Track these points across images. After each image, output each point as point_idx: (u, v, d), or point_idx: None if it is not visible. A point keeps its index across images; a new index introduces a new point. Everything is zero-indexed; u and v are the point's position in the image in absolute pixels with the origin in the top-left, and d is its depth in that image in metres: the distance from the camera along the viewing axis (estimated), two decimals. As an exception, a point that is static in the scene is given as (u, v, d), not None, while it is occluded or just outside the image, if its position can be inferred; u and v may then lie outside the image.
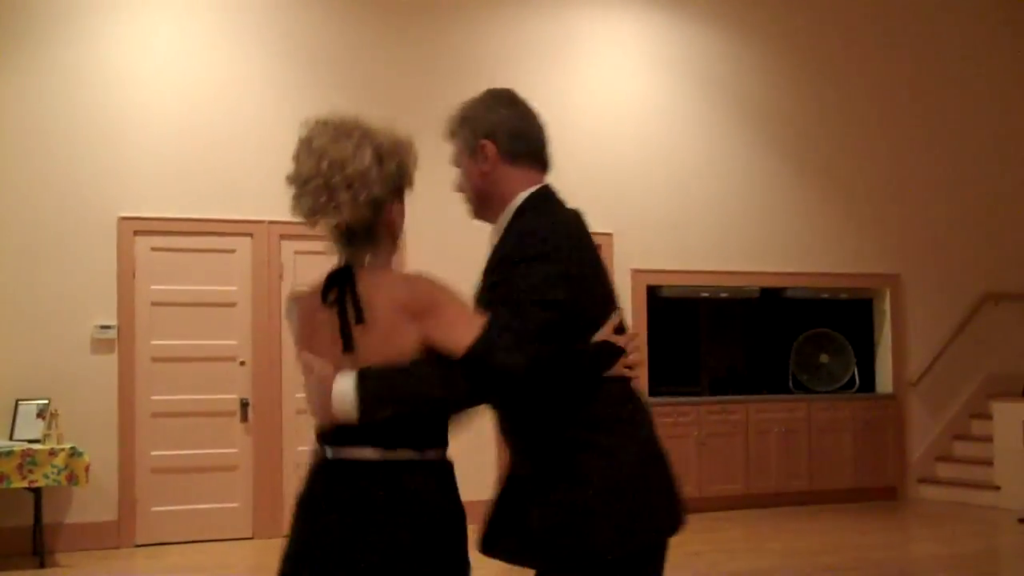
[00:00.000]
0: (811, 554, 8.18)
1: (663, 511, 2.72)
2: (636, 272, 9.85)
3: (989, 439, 10.66)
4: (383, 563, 2.47)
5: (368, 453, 2.50)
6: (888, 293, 11.23)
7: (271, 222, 8.99)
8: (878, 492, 10.81)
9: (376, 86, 9.44)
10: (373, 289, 2.56)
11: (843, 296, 11.18)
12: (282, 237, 9.04)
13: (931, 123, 11.44)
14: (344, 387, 2.47)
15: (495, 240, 2.79)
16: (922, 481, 11.10)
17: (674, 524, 2.74)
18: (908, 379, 11.16)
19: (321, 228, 2.64)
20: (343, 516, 2.52)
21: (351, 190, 2.54)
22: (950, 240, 11.41)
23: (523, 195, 2.77)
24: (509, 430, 2.79)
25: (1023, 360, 9.93)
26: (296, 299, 2.73)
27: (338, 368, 2.50)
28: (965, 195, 11.51)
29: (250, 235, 9.01)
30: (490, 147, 2.77)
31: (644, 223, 9.99)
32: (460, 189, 2.93)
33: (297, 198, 2.60)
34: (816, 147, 11.00)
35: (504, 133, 2.76)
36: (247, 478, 8.90)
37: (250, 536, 8.85)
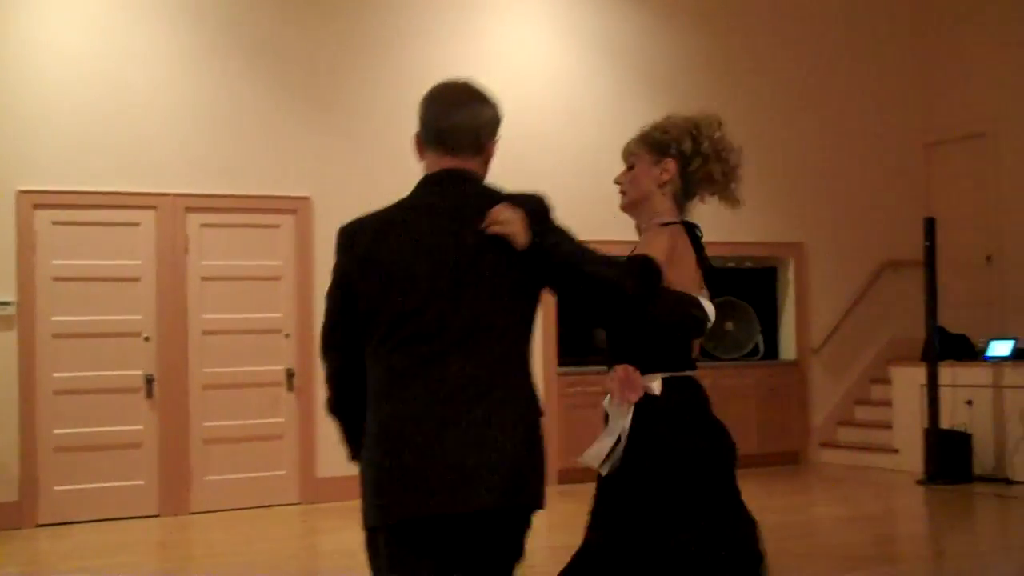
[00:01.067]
0: (717, 519, 8.31)
1: (384, 495, 2.76)
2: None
3: (889, 403, 10.94)
4: None
5: None
6: (792, 262, 11.44)
7: (176, 195, 8.85)
8: (782, 457, 11.03)
9: (281, 57, 9.32)
10: None
11: (748, 265, 11.36)
12: (188, 210, 8.90)
13: (832, 97, 11.64)
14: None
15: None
16: (824, 445, 11.36)
17: (398, 512, 2.73)
18: (811, 346, 11.40)
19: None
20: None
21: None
22: (851, 209, 11.64)
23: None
24: None
25: (921, 325, 10.18)
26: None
27: None
28: (865, 165, 11.75)
29: (154, 208, 8.85)
30: (416, 140, 3.01)
31: (551, 195, 9.97)
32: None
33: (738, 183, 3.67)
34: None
35: (421, 125, 2.99)
36: (152, 455, 8.78)
37: (156, 514, 8.74)
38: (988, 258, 11.41)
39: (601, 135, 10.37)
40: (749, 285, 11.39)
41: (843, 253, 11.56)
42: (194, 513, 8.83)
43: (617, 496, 3.11)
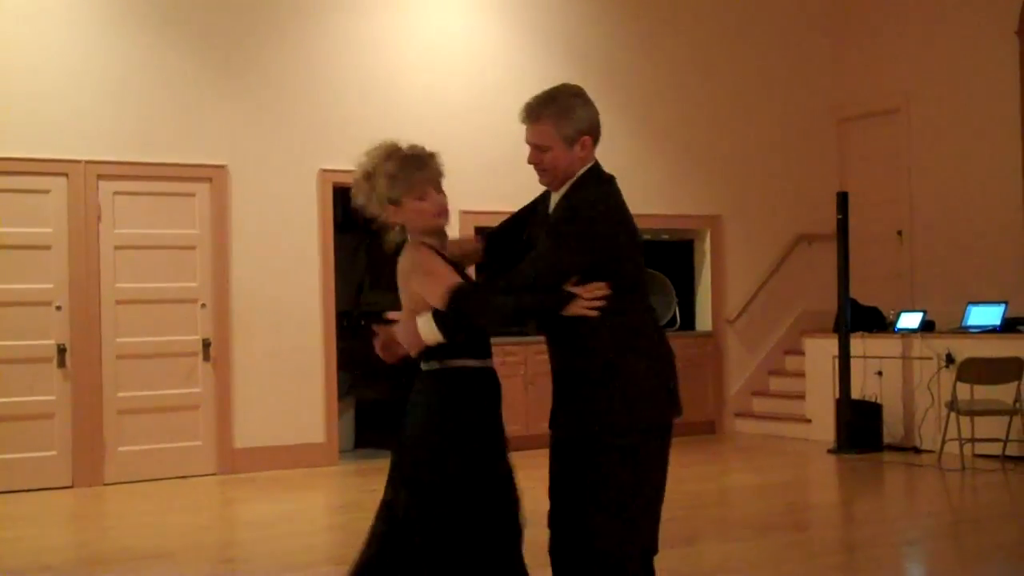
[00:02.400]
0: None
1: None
2: (465, 213, 9.86)
3: (802, 374, 11.13)
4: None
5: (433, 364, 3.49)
6: (708, 234, 11.56)
7: (88, 161, 8.68)
8: (697, 426, 11.18)
9: (197, 24, 9.16)
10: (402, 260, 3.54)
11: (665, 237, 11.46)
12: (100, 177, 8.74)
13: (748, 73, 11.74)
14: (426, 323, 3.37)
15: (552, 203, 3.68)
16: (739, 415, 11.54)
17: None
18: (726, 317, 11.55)
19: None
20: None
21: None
22: (767, 184, 11.79)
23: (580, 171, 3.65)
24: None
25: (834, 298, 10.36)
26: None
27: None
28: (781, 140, 11.90)
29: (65, 175, 8.67)
30: (588, 141, 3.61)
31: (475, 166, 9.96)
32: (542, 166, 3.71)
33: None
34: (639, 93, 11.18)
35: (590, 123, 3.63)
36: (65, 426, 8.65)
37: (70, 485, 8.62)
38: (899, 232, 11.64)
39: (517, 107, 10.35)
40: (666, 257, 11.47)
41: (758, 226, 11.71)
42: (108, 484, 8.72)
43: None
